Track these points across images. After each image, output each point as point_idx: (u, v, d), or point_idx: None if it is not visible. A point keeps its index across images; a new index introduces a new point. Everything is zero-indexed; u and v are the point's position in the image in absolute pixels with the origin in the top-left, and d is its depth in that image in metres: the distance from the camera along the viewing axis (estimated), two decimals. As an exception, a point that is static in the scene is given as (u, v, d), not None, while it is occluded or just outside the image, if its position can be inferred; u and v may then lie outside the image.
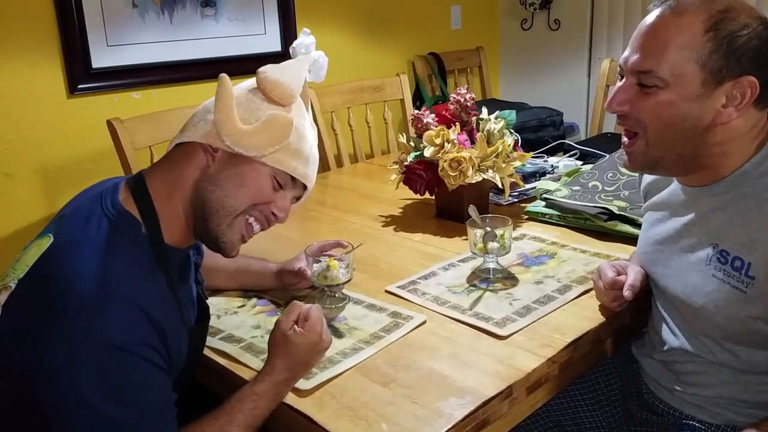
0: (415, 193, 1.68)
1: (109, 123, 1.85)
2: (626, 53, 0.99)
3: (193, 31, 2.40)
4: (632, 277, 1.14)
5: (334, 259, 1.20)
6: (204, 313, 1.11)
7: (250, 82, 1.00)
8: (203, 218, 0.94)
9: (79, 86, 2.16)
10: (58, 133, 2.14)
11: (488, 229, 1.32)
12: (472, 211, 1.34)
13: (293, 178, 1.00)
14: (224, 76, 0.94)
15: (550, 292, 1.27)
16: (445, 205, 1.71)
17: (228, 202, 0.94)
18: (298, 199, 1.05)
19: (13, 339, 0.86)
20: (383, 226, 1.67)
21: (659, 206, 1.14)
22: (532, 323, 1.16)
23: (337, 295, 1.23)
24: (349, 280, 1.23)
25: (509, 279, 1.34)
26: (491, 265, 1.37)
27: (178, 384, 0.96)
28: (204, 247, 1.20)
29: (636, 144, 1.01)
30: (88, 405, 0.81)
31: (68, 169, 2.16)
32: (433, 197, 1.72)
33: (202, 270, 1.19)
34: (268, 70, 0.97)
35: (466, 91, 1.64)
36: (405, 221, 1.70)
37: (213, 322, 1.16)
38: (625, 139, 1.04)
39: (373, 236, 1.61)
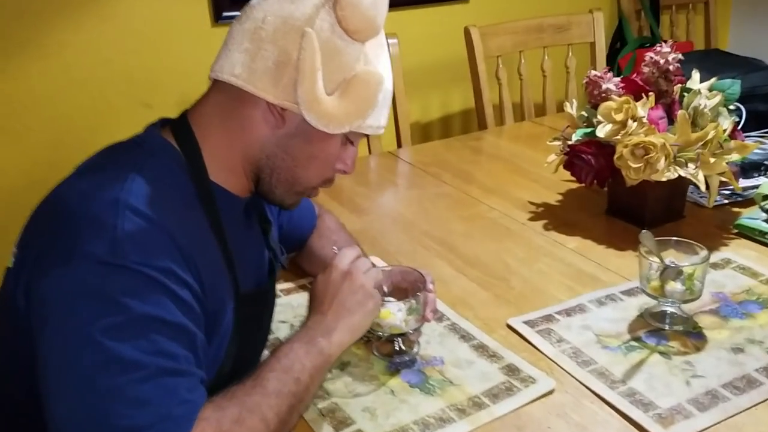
0: (579, 183, 1.28)
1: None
2: None
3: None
4: None
5: (388, 305, 0.87)
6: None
7: None
8: (270, 182, 0.83)
9: (224, 14, 2.00)
10: (200, 63, 1.95)
11: (671, 262, 0.92)
12: (646, 237, 0.93)
13: None
14: (310, 32, 0.72)
15: (752, 372, 0.85)
16: (621, 200, 1.29)
17: (299, 174, 0.83)
18: None
19: (18, 275, 0.72)
20: (530, 219, 1.30)
21: None
22: (714, 425, 0.77)
23: (401, 345, 0.92)
24: (415, 330, 0.90)
25: (693, 336, 0.93)
26: (669, 309, 0.97)
27: (220, 377, 0.77)
28: (319, 224, 1.10)
29: None
30: (86, 337, 0.65)
31: (210, 102, 2.05)
32: (605, 188, 1.31)
33: (305, 252, 1.09)
34: None
35: (669, 49, 1.18)
36: (561, 215, 1.31)
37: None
38: None
39: (512, 233, 1.25)
